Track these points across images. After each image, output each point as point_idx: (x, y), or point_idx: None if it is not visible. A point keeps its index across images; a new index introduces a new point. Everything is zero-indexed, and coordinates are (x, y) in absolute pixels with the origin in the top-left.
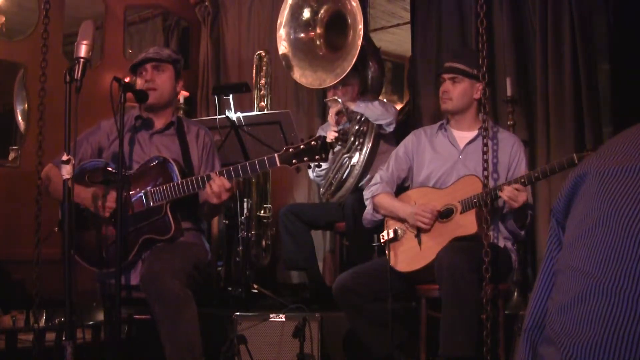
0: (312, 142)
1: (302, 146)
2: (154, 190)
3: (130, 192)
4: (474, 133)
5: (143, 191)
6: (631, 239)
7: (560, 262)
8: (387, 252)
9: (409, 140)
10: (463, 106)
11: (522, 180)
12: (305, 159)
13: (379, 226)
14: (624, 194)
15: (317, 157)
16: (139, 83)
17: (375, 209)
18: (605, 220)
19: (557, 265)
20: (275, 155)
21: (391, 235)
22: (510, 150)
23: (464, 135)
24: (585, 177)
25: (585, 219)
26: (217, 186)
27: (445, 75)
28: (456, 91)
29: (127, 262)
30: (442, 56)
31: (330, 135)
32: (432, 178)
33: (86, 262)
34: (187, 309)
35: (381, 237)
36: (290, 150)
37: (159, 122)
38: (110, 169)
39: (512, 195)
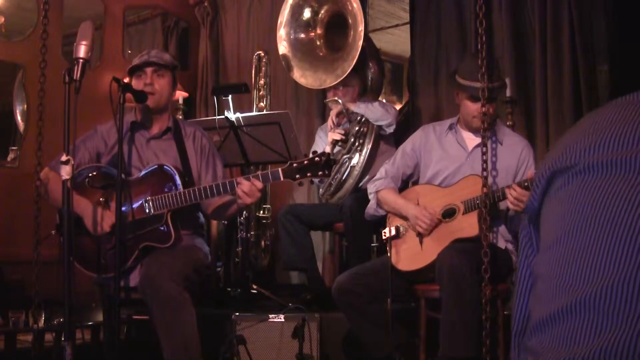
0: (316, 159)
1: (305, 162)
2: (155, 197)
3: (132, 199)
4: None
5: (144, 198)
6: (622, 247)
7: (538, 266)
8: (388, 249)
9: (417, 136)
10: None
11: (526, 184)
12: (308, 174)
13: (378, 226)
14: (612, 193)
15: (320, 172)
16: (135, 85)
17: (379, 204)
18: (587, 224)
19: (535, 269)
20: (279, 169)
21: (393, 232)
22: (519, 155)
23: (473, 138)
24: (561, 173)
25: (562, 221)
26: (248, 187)
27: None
28: (493, 109)
29: (125, 267)
30: (442, 57)
31: (335, 135)
32: (439, 177)
33: (84, 267)
34: (185, 312)
35: (383, 233)
36: (294, 165)
37: (155, 127)
38: (105, 173)
39: (520, 196)
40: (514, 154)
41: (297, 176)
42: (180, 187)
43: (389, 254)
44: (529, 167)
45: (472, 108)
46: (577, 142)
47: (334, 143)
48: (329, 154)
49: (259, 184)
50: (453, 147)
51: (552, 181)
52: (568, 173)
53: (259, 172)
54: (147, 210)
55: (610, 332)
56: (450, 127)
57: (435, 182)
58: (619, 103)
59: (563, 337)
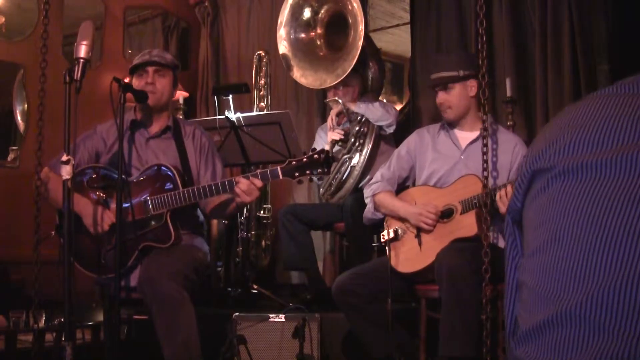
0: (315, 156)
1: (304, 159)
2: (155, 197)
3: (131, 199)
4: (476, 133)
5: (143, 198)
6: (608, 255)
7: (523, 272)
8: (387, 252)
9: (411, 139)
10: (464, 109)
11: None
12: (307, 171)
13: (379, 226)
14: (595, 198)
15: (319, 170)
16: (136, 83)
17: (376, 207)
18: (570, 231)
19: (519, 274)
20: (278, 167)
21: (391, 235)
22: (512, 151)
23: (465, 136)
24: (540, 174)
25: (545, 227)
26: (246, 186)
27: (437, 88)
28: (452, 98)
29: (125, 267)
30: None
31: (335, 135)
32: (434, 178)
33: (84, 268)
34: (184, 311)
35: (381, 236)
36: (293, 163)
37: (155, 126)
38: (104, 173)
39: (503, 197)
40: (508, 151)
41: (296, 174)
42: (180, 186)
43: (388, 257)
44: None
45: (436, 100)
46: (556, 141)
47: (334, 143)
48: (328, 151)
49: (258, 183)
50: (446, 146)
51: (533, 182)
52: (547, 175)
53: (258, 171)
54: (146, 210)
55: (598, 345)
56: (443, 127)
57: (431, 182)
58: (598, 96)
59: (549, 349)
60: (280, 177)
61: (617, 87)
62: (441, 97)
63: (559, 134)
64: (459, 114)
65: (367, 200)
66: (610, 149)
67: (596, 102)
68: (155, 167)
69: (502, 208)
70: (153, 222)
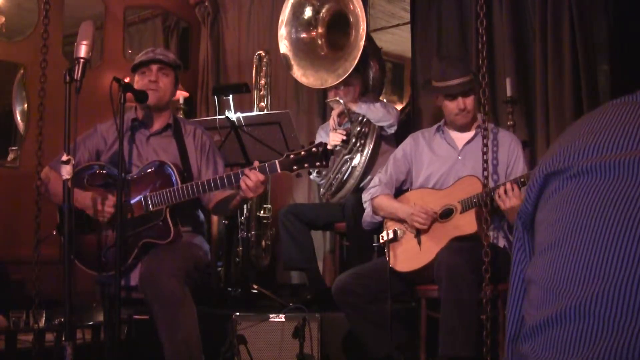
0: (313, 149)
1: (303, 152)
2: (153, 194)
3: (131, 196)
4: (471, 133)
5: (142, 195)
6: (618, 251)
7: (531, 271)
8: (386, 252)
9: (407, 143)
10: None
11: (522, 179)
12: (305, 165)
13: (379, 227)
14: (607, 197)
15: (317, 163)
16: (138, 81)
17: (375, 211)
18: (582, 228)
19: (528, 274)
20: (276, 161)
21: (390, 235)
22: (508, 149)
23: (461, 136)
24: (554, 176)
25: (557, 225)
26: (253, 182)
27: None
28: (471, 103)
29: (126, 265)
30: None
31: (337, 136)
32: (432, 179)
33: (85, 265)
34: (186, 309)
35: (380, 237)
36: (291, 156)
37: (155, 124)
38: (105, 171)
39: (502, 195)
40: (504, 148)
41: (295, 167)
42: (179, 183)
43: (387, 257)
44: (517, 160)
45: (451, 106)
46: (571, 144)
47: (336, 145)
48: (326, 144)
49: (262, 177)
50: (442, 148)
51: (546, 184)
52: (562, 176)
53: (256, 165)
54: (145, 207)
55: (606, 340)
56: (438, 129)
57: (429, 185)
58: (614, 105)
59: (555, 344)
60: (279, 170)
61: (635, 95)
62: (463, 103)
63: (574, 139)
64: (475, 115)
65: (365, 205)
66: (627, 152)
67: (613, 109)
68: (155, 164)
69: (502, 205)
70: (152, 219)
